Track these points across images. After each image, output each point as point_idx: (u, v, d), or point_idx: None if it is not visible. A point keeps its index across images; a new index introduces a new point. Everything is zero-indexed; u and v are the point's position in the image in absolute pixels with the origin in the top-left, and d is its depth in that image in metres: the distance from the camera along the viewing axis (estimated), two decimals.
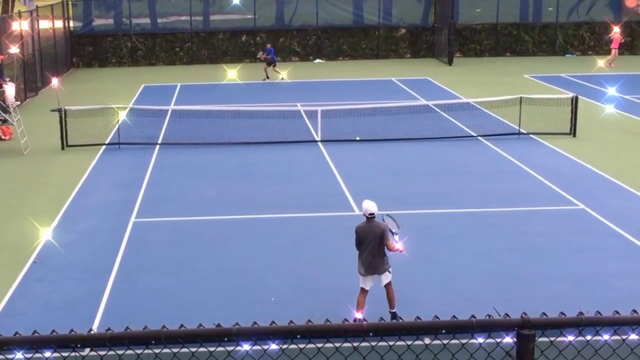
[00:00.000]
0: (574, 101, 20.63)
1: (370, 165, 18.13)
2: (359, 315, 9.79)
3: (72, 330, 2.91)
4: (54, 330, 2.89)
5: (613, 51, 33.03)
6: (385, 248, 9.98)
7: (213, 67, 35.26)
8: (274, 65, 30.68)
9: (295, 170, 17.89)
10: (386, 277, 10.09)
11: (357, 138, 20.39)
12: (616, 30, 33.14)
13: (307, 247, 13.13)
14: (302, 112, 22.96)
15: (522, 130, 20.67)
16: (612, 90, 25.71)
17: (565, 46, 37.16)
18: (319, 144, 20.17)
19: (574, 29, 36.85)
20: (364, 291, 10.06)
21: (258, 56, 32.60)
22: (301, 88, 29.24)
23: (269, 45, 31.70)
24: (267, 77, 30.53)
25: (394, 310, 10.15)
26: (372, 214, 9.99)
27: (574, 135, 20.56)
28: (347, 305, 10.52)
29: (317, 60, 36.51)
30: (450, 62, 34.56)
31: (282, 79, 30.48)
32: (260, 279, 11.77)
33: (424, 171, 17.68)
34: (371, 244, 9.91)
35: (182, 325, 2.97)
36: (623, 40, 33.49)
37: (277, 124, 21.54)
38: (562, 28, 37.20)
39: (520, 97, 21.13)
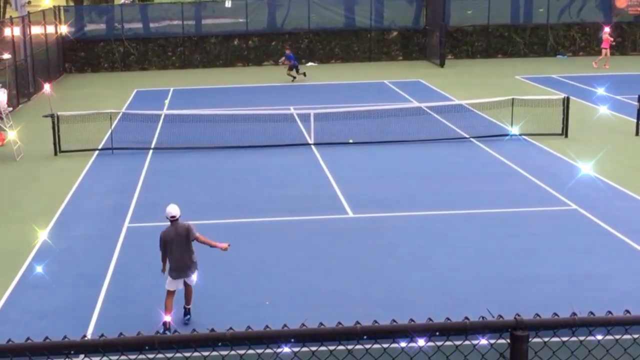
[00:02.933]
0: (566, 102, 20.70)
1: (363, 168, 18.15)
2: (168, 318, 9.99)
3: (65, 337, 2.90)
4: (47, 337, 2.89)
5: (603, 51, 33.06)
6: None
7: (206, 71, 35.25)
8: (296, 69, 30.83)
9: (288, 174, 17.90)
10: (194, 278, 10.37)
11: (350, 141, 20.41)
12: (606, 30, 33.21)
13: (300, 250, 13.13)
14: (295, 115, 22.97)
15: (514, 132, 20.73)
16: (602, 91, 25.81)
17: (556, 47, 37.29)
18: (312, 147, 20.18)
19: (565, 30, 36.99)
20: (171, 293, 10.21)
21: (280, 62, 32.81)
22: (294, 91, 29.26)
23: (288, 51, 31.74)
24: (294, 78, 30.82)
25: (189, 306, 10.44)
26: (174, 216, 10.24)
27: (566, 135, 20.63)
28: (342, 307, 10.53)
29: (310, 64, 36.53)
30: (442, 64, 34.63)
31: (303, 74, 30.97)
32: (254, 282, 11.76)
33: (417, 173, 17.70)
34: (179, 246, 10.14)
35: (175, 331, 2.97)
36: (613, 42, 33.44)
37: (270, 128, 21.54)
38: (553, 29, 37.32)
39: (512, 99, 21.19)
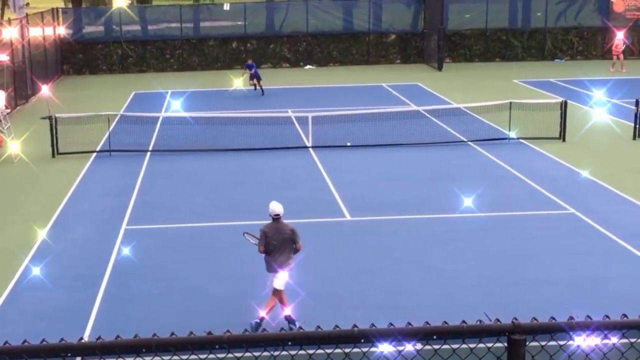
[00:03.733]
0: (564, 106, 20.72)
1: (361, 171, 18.16)
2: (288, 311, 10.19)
3: (62, 339, 2.90)
4: (44, 340, 2.89)
5: (615, 57, 32.99)
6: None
7: (204, 73, 35.25)
8: (257, 79, 28.63)
9: (286, 177, 17.89)
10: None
11: (348, 144, 20.42)
12: (619, 37, 33.11)
13: (298, 253, 13.10)
14: (293, 118, 22.98)
15: (512, 135, 20.75)
16: (600, 95, 25.85)
17: (554, 51, 37.34)
18: (310, 150, 20.18)
19: (563, 34, 37.05)
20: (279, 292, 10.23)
21: (242, 77, 30.10)
22: (292, 94, 29.26)
23: (250, 61, 29.69)
24: (255, 87, 28.81)
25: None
26: (278, 214, 10.38)
27: (564, 139, 20.65)
28: (340, 310, 10.52)
29: (308, 67, 36.56)
30: (440, 68, 34.66)
31: (261, 91, 28.55)
32: (252, 285, 11.75)
33: (415, 176, 17.71)
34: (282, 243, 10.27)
35: (173, 333, 2.97)
36: (622, 47, 33.22)
37: (268, 131, 21.54)
38: (551, 33, 37.38)
39: (510, 102, 21.21)
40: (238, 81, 29.78)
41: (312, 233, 14.12)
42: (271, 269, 10.26)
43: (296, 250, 10.39)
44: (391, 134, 21.11)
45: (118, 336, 2.93)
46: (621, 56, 32.88)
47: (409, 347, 3.11)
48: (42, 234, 14.11)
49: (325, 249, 13.25)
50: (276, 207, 10.40)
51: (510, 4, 38.54)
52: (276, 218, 10.34)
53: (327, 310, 10.61)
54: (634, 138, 20.76)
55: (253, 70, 28.93)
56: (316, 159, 19.36)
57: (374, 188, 16.77)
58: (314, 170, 18.33)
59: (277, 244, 10.20)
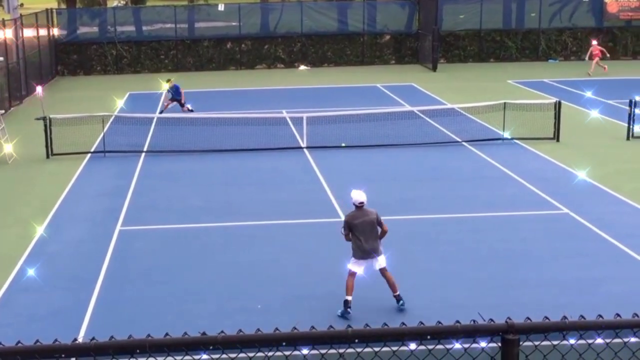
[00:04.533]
0: (557, 106, 20.77)
1: (356, 171, 18.16)
2: (349, 297, 10.48)
3: (56, 341, 2.90)
4: (37, 341, 2.89)
5: (595, 59, 32.89)
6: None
7: (198, 74, 35.23)
8: (179, 103, 24.89)
9: (280, 177, 17.90)
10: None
11: (343, 144, 20.42)
12: (594, 43, 33.12)
13: (293, 254, 13.12)
14: (288, 118, 22.97)
15: (506, 136, 20.79)
16: (594, 95, 25.92)
17: (548, 52, 37.42)
18: (305, 150, 20.19)
19: (557, 35, 37.14)
20: (353, 275, 10.58)
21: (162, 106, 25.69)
22: (286, 95, 29.27)
23: (170, 82, 25.28)
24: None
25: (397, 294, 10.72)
26: (362, 202, 10.56)
27: (558, 140, 20.70)
28: (333, 311, 10.54)
29: (302, 67, 36.57)
30: (434, 68, 34.71)
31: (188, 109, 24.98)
32: (246, 286, 11.75)
33: (409, 177, 17.73)
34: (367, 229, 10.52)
35: (167, 334, 2.97)
36: (596, 51, 33.02)
37: (262, 131, 21.54)
38: (545, 34, 37.47)
39: (504, 103, 21.25)
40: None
41: (307, 233, 14.13)
42: (364, 254, 10.51)
43: (383, 232, 10.70)
44: (386, 134, 21.13)
45: (112, 337, 2.93)
46: (597, 60, 32.65)
47: (404, 348, 3.11)
48: (36, 235, 14.08)
49: (319, 250, 13.25)
50: (359, 195, 10.62)
51: (505, 5, 38.61)
52: (360, 206, 10.56)
53: (320, 311, 10.61)
54: (628, 138, 20.82)
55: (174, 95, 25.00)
56: (311, 159, 19.37)
57: (369, 188, 16.65)
58: (309, 171, 18.33)
59: (365, 229, 10.47)
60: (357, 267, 10.57)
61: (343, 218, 14.77)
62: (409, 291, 11.48)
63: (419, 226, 14.42)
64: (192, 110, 24.85)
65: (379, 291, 11.45)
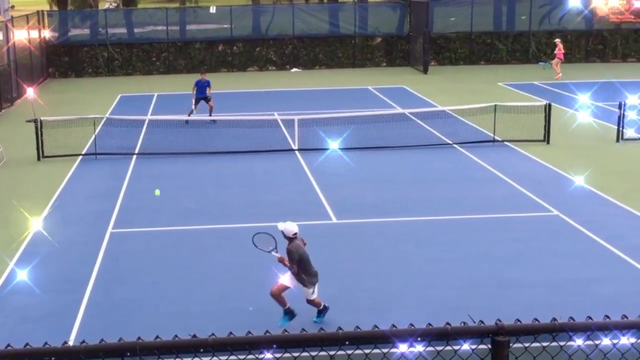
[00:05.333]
0: (547, 108, 20.85)
1: (347, 174, 18.19)
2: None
3: (46, 343, 2.90)
4: (27, 344, 2.89)
5: (556, 62, 32.75)
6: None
7: (190, 76, 35.15)
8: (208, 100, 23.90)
9: (272, 179, 17.90)
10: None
11: (334, 147, 20.43)
12: (557, 40, 33.26)
13: (284, 255, 13.10)
14: (279, 121, 22.98)
15: (497, 138, 20.85)
16: (584, 98, 26.02)
17: (538, 54, 37.54)
18: (296, 152, 20.19)
19: (547, 37, 37.27)
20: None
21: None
22: (278, 97, 29.27)
23: (203, 76, 24.34)
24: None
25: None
26: (296, 233, 10.33)
27: (548, 142, 20.77)
28: (325, 313, 10.54)
29: (294, 70, 36.58)
30: (425, 71, 34.78)
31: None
32: (238, 288, 11.75)
33: (401, 179, 17.76)
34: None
35: (157, 337, 2.98)
36: (561, 52, 33.10)
37: (254, 133, 21.54)
38: (535, 36, 37.60)
39: (495, 105, 21.32)
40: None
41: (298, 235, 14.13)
42: (315, 277, 10.35)
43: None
44: (377, 136, 21.16)
45: (102, 340, 2.94)
46: (558, 61, 32.50)
47: (394, 350, 3.12)
48: (27, 238, 14.03)
49: (311, 252, 13.23)
50: (293, 226, 10.39)
51: (495, 8, 38.73)
52: (294, 237, 10.34)
53: (312, 313, 10.61)
54: (617, 140, 20.92)
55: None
56: (302, 161, 19.38)
57: (360, 191, 16.80)
58: (300, 173, 18.34)
59: (307, 257, 10.31)
60: (315, 295, 10.34)
61: (334, 220, 14.85)
62: (400, 292, 11.50)
63: (409, 228, 14.44)
64: (211, 115, 23.47)
65: (367, 293, 11.47)
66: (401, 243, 13.62)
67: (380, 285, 11.73)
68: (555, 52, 32.75)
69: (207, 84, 23.95)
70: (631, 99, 22.43)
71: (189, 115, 23.38)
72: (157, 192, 16.20)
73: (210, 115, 23.62)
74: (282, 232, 10.34)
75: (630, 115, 21.79)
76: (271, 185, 17.37)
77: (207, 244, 13.77)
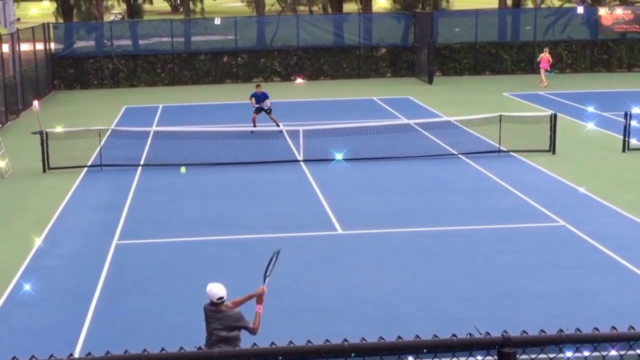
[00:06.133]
0: (553, 118, 20.84)
1: (353, 184, 18.19)
2: None
3: (51, 356, 2.90)
4: (33, 356, 2.89)
5: (541, 71, 32.92)
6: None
7: (195, 88, 35.29)
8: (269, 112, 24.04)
9: (277, 190, 17.90)
10: None
11: (339, 157, 20.45)
12: (545, 50, 33.44)
13: (289, 267, 13.10)
14: (284, 132, 23.01)
15: (502, 148, 20.84)
16: (590, 108, 26.02)
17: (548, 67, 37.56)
18: (301, 163, 20.21)
19: (552, 48, 37.28)
20: None
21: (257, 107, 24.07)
22: (283, 108, 29.30)
23: (260, 88, 24.76)
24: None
25: None
26: (221, 297, 8.32)
27: (554, 152, 20.75)
28: (330, 325, 10.52)
29: (299, 80, 36.66)
30: (430, 81, 34.82)
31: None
32: None
33: (406, 189, 17.75)
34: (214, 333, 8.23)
35: (163, 349, 2.98)
36: (551, 62, 33.21)
37: (259, 144, 21.57)
38: (540, 46, 37.60)
39: (500, 115, 21.31)
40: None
41: (303, 247, 14.13)
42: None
43: (253, 329, 8.48)
44: (382, 147, 21.17)
45: (108, 352, 2.94)
46: (543, 70, 32.81)
47: None
48: (32, 249, 14.06)
49: (316, 263, 13.26)
50: (218, 289, 8.42)
51: (500, 18, 38.80)
52: (219, 302, 8.40)
53: (318, 324, 10.60)
54: (623, 150, 20.88)
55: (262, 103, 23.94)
56: (307, 172, 19.39)
57: (366, 201, 16.80)
58: (305, 184, 18.35)
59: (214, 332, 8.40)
60: None
61: (339, 231, 14.84)
62: (406, 303, 11.48)
63: (415, 238, 14.42)
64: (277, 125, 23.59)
65: (373, 304, 11.45)
66: (406, 254, 13.60)
67: (385, 296, 11.71)
68: (538, 60, 33.20)
69: (263, 96, 24.07)
70: (637, 109, 22.41)
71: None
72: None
73: (277, 126, 23.66)
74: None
75: (638, 125, 21.75)
76: (276, 196, 17.38)
77: (212, 255, 13.77)
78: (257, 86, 25.21)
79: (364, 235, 14.70)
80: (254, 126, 23.74)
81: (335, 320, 10.64)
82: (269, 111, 24.05)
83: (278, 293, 11.95)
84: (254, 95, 24.38)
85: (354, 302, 11.56)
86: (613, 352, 3.36)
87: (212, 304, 8.37)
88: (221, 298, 8.35)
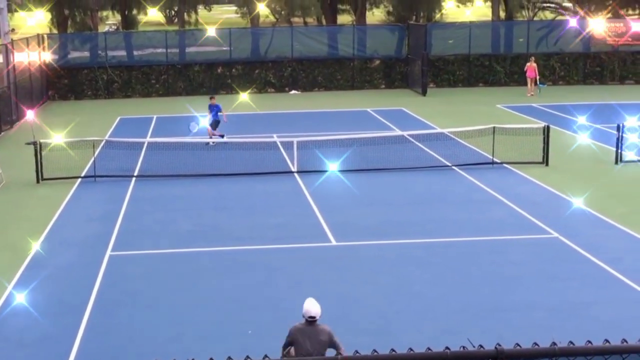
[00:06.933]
0: (546, 130, 20.93)
1: (346, 196, 18.21)
2: None
3: None
4: None
5: (528, 80, 33.93)
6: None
7: (189, 98, 35.31)
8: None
9: (271, 202, 17.91)
10: None
11: (333, 169, 20.47)
12: (531, 59, 34.16)
13: (283, 278, 13.12)
14: (278, 143, 23.04)
15: (496, 160, 20.91)
16: (582, 120, 26.13)
17: (536, 76, 37.72)
18: (295, 175, 20.23)
19: (545, 60, 37.49)
20: None
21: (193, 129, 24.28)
22: (277, 119, 29.37)
23: (213, 100, 25.06)
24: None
25: None
26: (313, 317, 8.30)
27: (547, 164, 20.83)
28: None
29: (293, 92, 36.72)
30: (424, 93, 34.94)
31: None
32: (237, 311, 11.73)
33: (400, 201, 17.78)
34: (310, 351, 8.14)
35: None
36: (537, 71, 33.95)
37: (253, 156, 21.60)
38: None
39: (494, 127, 21.39)
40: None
41: (297, 258, 14.13)
42: None
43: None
44: (376, 158, 21.22)
45: None
46: (531, 81, 33.84)
47: None
48: (26, 260, 14.02)
49: (310, 274, 13.26)
50: (312, 306, 8.31)
51: (493, 30, 39.01)
52: (311, 321, 8.32)
53: None
54: (616, 162, 20.97)
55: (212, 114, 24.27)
56: (301, 184, 19.41)
57: (359, 213, 16.82)
58: (299, 195, 18.36)
59: (309, 351, 8.16)
60: None
61: (333, 243, 14.86)
62: (399, 314, 11.48)
63: (408, 250, 14.43)
64: (222, 136, 24.01)
65: (367, 316, 11.45)
66: (400, 265, 13.61)
67: (379, 308, 11.71)
68: (525, 69, 34.17)
69: (217, 108, 24.37)
70: (630, 121, 22.52)
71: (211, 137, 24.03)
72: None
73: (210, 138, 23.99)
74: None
75: (630, 137, 21.87)
76: (270, 208, 17.39)
77: (205, 267, 13.75)
78: (211, 98, 25.42)
79: (358, 246, 14.71)
80: (210, 138, 23.86)
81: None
82: (214, 124, 24.18)
83: (272, 305, 11.95)
84: (209, 107, 24.63)
85: (347, 313, 11.56)
86: None
87: (307, 322, 8.33)
88: (312, 317, 8.37)
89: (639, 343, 3.24)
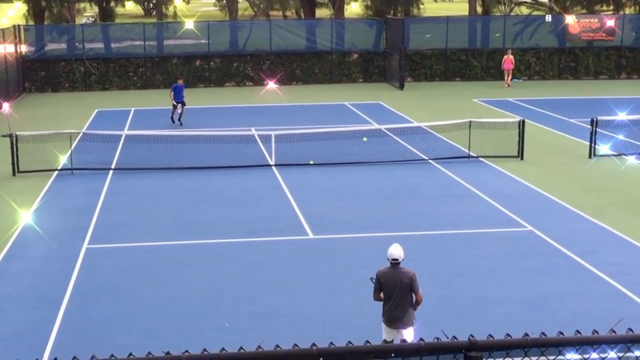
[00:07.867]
0: (521, 125, 21.12)
1: (324, 189, 18.27)
2: None
3: None
4: None
5: (505, 72, 35.63)
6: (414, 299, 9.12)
7: (167, 91, 35.07)
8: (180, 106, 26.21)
9: (249, 195, 17.93)
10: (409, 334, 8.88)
11: (311, 162, 20.53)
12: (508, 52, 35.69)
13: (260, 272, 13.15)
14: (256, 136, 23.04)
15: (472, 154, 21.06)
16: (557, 114, 26.38)
17: (512, 71, 37.98)
18: (273, 168, 20.25)
19: (521, 55, 37.74)
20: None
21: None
22: (255, 112, 29.33)
23: (181, 80, 27.28)
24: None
25: None
26: (396, 259, 9.21)
27: (522, 158, 21.02)
28: (301, 330, 10.57)
29: (271, 85, 36.68)
30: (401, 87, 35.05)
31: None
32: (214, 304, 11.76)
33: (376, 195, 17.87)
34: (395, 293, 9.03)
35: (130, 354, 3.02)
36: (513, 63, 35.61)
37: (231, 149, 21.57)
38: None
39: (470, 121, 21.54)
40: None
41: (275, 251, 14.17)
42: (388, 322, 9.08)
43: (417, 302, 9.17)
44: (353, 152, 21.29)
45: (75, 358, 2.97)
46: (508, 72, 35.49)
47: None
48: (1, 254, 13.93)
49: (287, 268, 13.31)
50: (396, 250, 9.26)
51: (470, 25, 39.20)
52: (394, 263, 9.21)
53: (288, 329, 10.65)
54: (590, 157, 21.21)
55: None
56: (279, 177, 19.44)
57: (337, 206, 16.88)
58: (277, 189, 18.39)
59: (393, 292, 9.04)
60: (385, 334, 9.05)
61: (310, 236, 14.91)
62: (375, 307, 11.55)
63: (385, 244, 14.45)
64: (180, 123, 26.08)
65: (343, 309, 11.52)
66: (377, 259, 13.66)
67: (355, 301, 11.79)
68: (503, 61, 35.77)
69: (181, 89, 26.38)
70: (603, 116, 22.78)
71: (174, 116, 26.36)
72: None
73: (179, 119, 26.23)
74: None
75: (604, 132, 22.12)
76: (248, 201, 17.40)
77: (183, 260, 13.75)
78: (179, 79, 27.77)
79: (335, 240, 14.78)
80: (172, 117, 26.26)
81: (306, 325, 10.69)
82: (182, 104, 26.22)
83: (249, 298, 11.99)
84: (174, 88, 26.29)
85: (324, 306, 11.62)
86: (576, 356, 3.47)
87: (392, 264, 9.16)
88: (396, 259, 9.22)
89: (610, 334, 3.32)
